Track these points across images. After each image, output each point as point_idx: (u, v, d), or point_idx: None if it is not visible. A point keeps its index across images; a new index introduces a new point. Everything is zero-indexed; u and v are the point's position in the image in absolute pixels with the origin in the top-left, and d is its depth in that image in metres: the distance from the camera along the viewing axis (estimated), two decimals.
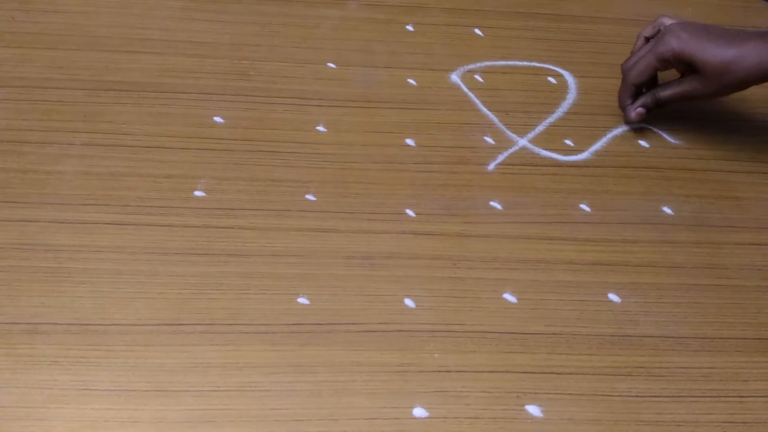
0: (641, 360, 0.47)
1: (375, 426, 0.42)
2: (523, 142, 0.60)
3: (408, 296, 0.48)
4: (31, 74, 0.59)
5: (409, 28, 0.69)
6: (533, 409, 0.44)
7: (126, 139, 0.56)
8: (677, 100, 0.58)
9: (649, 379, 0.46)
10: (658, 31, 0.60)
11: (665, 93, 0.58)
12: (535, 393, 0.44)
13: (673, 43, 0.56)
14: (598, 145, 0.60)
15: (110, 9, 0.66)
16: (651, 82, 0.60)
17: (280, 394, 0.43)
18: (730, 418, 0.44)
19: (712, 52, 0.54)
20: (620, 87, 0.60)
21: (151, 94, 0.59)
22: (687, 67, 0.56)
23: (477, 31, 0.70)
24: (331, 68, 0.64)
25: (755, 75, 0.54)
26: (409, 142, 0.59)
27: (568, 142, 0.60)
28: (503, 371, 0.45)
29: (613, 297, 0.50)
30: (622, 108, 0.60)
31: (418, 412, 0.43)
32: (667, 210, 0.56)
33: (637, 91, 0.60)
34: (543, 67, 0.67)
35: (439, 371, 0.45)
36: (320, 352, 0.45)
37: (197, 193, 0.53)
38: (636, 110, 0.59)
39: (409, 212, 0.53)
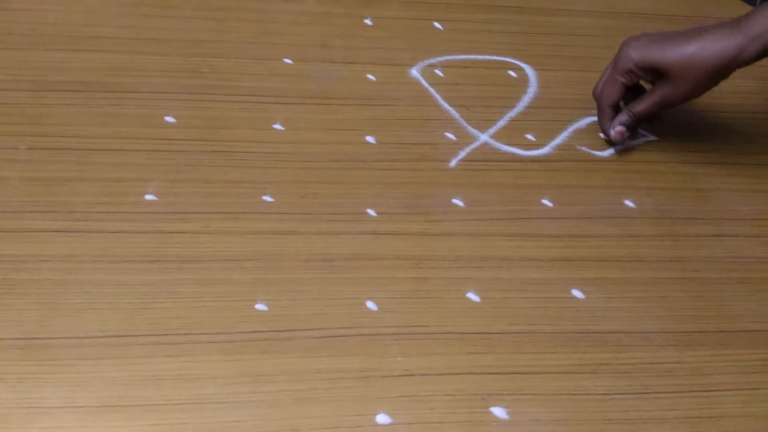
0: (606, 357, 0.46)
1: None
2: (484, 137, 0.59)
3: (370, 298, 0.47)
4: None
5: (368, 22, 0.68)
6: (498, 411, 0.43)
7: (73, 142, 0.53)
8: (653, 109, 0.57)
9: (614, 375, 0.45)
10: None
11: (639, 106, 0.57)
12: (500, 394, 0.44)
13: (632, 54, 0.55)
14: (559, 139, 0.60)
15: (55, 6, 0.64)
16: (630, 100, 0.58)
17: (238, 406, 0.41)
18: (696, 413, 0.44)
19: (673, 52, 0.53)
20: (597, 114, 0.59)
21: (99, 94, 0.57)
22: (653, 74, 0.55)
23: (437, 24, 0.69)
24: (288, 64, 0.62)
25: (720, 64, 0.53)
26: (370, 139, 0.57)
27: (529, 136, 0.60)
28: (468, 373, 0.44)
29: (576, 293, 0.49)
30: (605, 133, 0.58)
31: (382, 418, 0.42)
32: (629, 203, 0.56)
33: (615, 114, 0.58)
34: (503, 61, 0.66)
35: (403, 375, 0.44)
36: (279, 360, 0.43)
37: (148, 197, 0.51)
38: (615, 129, 0.57)
39: (371, 212, 0.52)
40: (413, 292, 0.48)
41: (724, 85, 0.56)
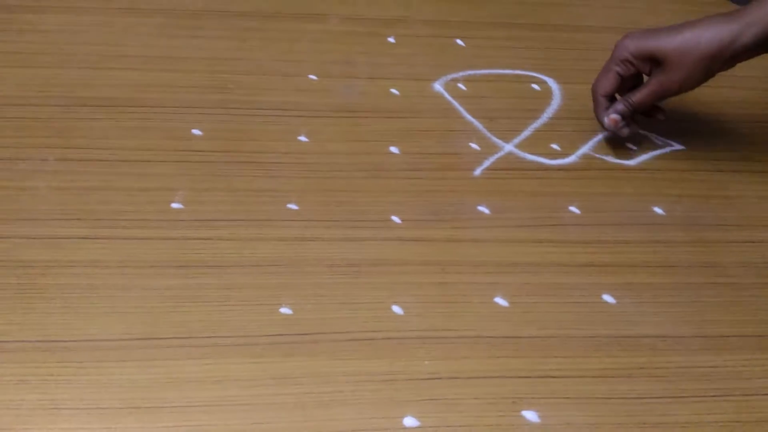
0: (640, 361, 0.45)
1: None
2: (508, 147, 0.59)
3: (396, 303, 0.46)
4: (3, 92, 0.58)
5: (391, 39, 0.69)
6: (530, 415, 0.41)
7: (101, 154, 0.54)
8: (650, 98, 0.56)
9: (649, 380, 0.44)
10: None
11: (636, 95, 0.57)
12: (532, 398, 0.42)
13: (627, 43, 0.55)
14: (585, 149, 0.59)
15: (87, 28, 0.66)
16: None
17: (262, 408, 0.40)
18: (735, 417, 0.42)
19: (668, 39, 0.53)
20: (593, 105, 0.58)
21: (127, 108, 0.58)
22: (650, 63, 0.55)
23: (458, 41, 0.69)
24: (313, 80, 0.63)
25: (715, 50, 0.52)
26: (394, 149, 0.57)
27: (554, 146, 0.59)
28: (497, 376, 0.43)
29: (607, 298, 0.48)
30: (600, 121, 0.58)
31: (409, 421, 0.41)
32: (658, 210, 0.55)
33: (610, 104, 0.58)
34: (526, 75, 0.66)
35: (430, 378, 0.43)
36: (304, 363, 0.43)
37: (174, 206, 0.51)
38: (610, 116, 0.57)
39: (395, 219, 0.52)
40: (439, 296, 0.47)
41: (744, 94, 0.55)
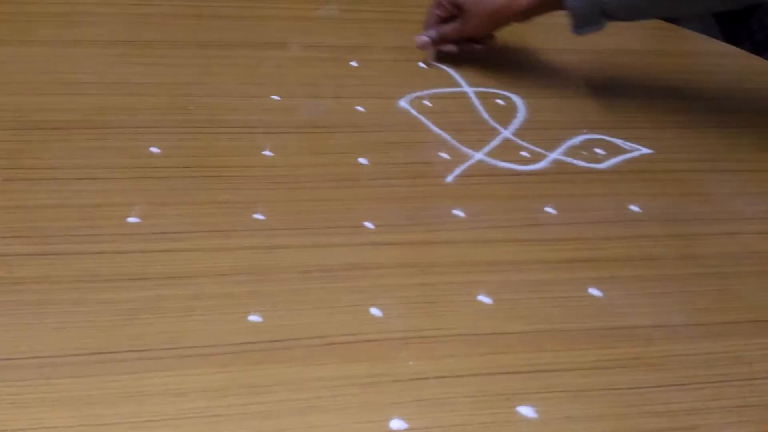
0: (636, 351, 0.42)
1: None
2: (479, 155, 0.58)
3: (374, 305, 0.43)
4: None
5: (354, 63, 0.68)
6: (526, 410, 0.38)
7: (54, 173, 0.51)
8: (453, 32, 0.68)
9: (648, 369, 0.41)
10: None
11: (444, 27, 0.68)
12: (526, 393, 0.39)
13: None
14: (554, 155, 0.59)
15: (40, 58, 0.63)
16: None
17: (232, 418, 0.36)
18: (741, 402, 0.39)
19: None
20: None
21: (82, 131, 0.55)
22: (457, 8, 0.67)
23: (421, 64, 0.69)
24: (276, 100, 0.62)
25: (497, 8, 0.64)
26: (362, 161, 0.56)
27: (524, 153, 0.58)
28: (487, 373, 0.40)
29: (594, 292, 0.46)
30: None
31: (397, 424, 0.37)
32: (634, 208, 0.54)
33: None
34: (489, 92, 0.66)
35: (417, 379, 0.39)
36: (277, 371, 0.39)
37: (131, 220, 0.47)
38: (420, 37, 0.68)
39: (368, 225, 0.49)
40: (420, 297, 0.44)
41: (718, 94, 0.56)
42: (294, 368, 0.39)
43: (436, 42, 0.68)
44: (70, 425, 0.35)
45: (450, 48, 0.69)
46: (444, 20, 0.69)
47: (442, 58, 0.70)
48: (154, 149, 0.54)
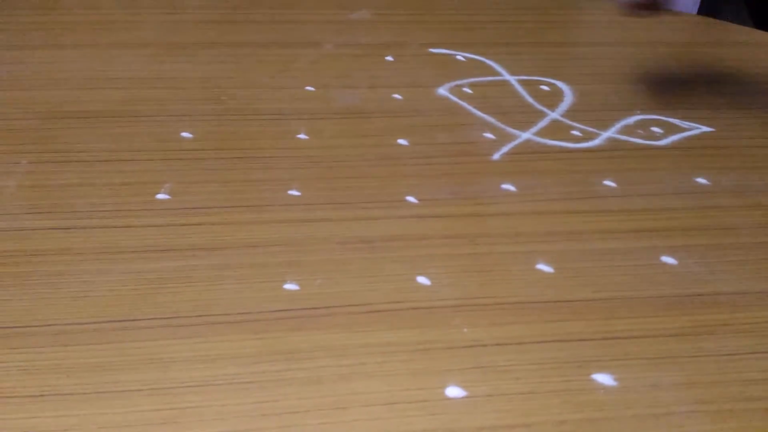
0: (722, 317, 0.37)
1: (397, 411, 0.31)
2: (526, 135, 0.54)
3: (421, 274, 0.39)
4: None
5: (389, 58, 0.66)
6: (603, 378, 0.33)
7: (81, 156, 0.49)
8: None
9: (737, 336, 0.36)
10: None
11: None
12: (600, 360, 0.34)
13: None
14: (609, 133, 0.55)
15: (72, 59, 0.62)
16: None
17: (265, 385, 0.32)
18: None
19: None
20: None
21: (112, 119, 0.53)
22: None
23: (459, 57, 0.67)
24: (310, 90, 0.60)
25: None
26: (402, 142, 0.52)
27: (575, 133, 0.55)
28: (554, 341, 0.35)
29: (667, 260, 0.41)
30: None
31: (453, 391, 0.32)
32: (702, 180, 0.49)
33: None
34: (533, 79, 0.63)
35: (473, 346, 0.35)
36: (316, 337, 0.35)
37: (160, 197, 0.45)
38: None
39: (411, 199, 0.46)
40: (471, 266, 0.40)
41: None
42: (335, 335, 0.35)
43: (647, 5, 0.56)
44: (84, 391, 0.31)
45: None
46: None
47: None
48: (185, 134, 0.52)
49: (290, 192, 0.46)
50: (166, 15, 0.74)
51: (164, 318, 0.35)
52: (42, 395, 0.31)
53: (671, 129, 0.56)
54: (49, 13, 0.72)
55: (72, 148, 0.50)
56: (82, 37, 0.68)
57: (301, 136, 0.53)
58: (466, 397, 0.32)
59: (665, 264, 0.41)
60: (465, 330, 0.36)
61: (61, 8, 0.74)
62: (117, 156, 0.49)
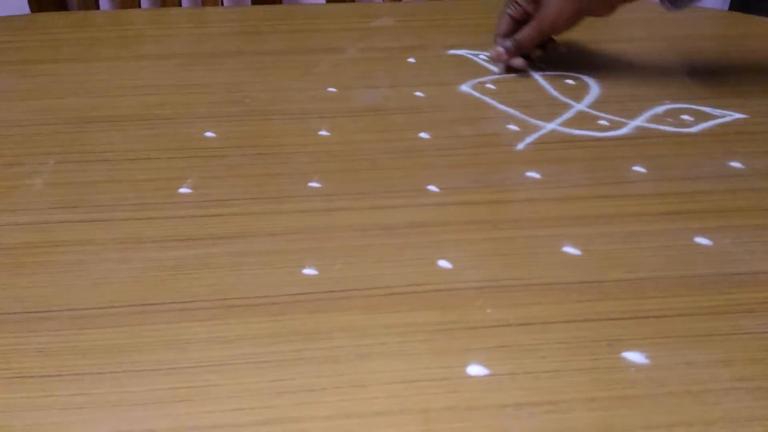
0: (762, 296, 0.35)
1: (417, 389, 0.30)
2: (551, 125, 0.53)
3: (442, 258, 0.38)
4: (9, 117, 0.54)
5: (411, 60, 0.66)
6: (634, 356, 0.31)
7: (106, 156, 0.49)
8: (530, 34, 0.60)
9: None
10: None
11: (519, 34, 0.60)
12: (631, 339, 0.32)
13: None
14: (638, 122, 0.53)
15: (101, 70, 0.63)
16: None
17: (284, 364, 0.31)
18: None
19: None
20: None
21: (137, 122, 0.54)
22: (533, 3, 0.60)
23: (482, 56, 0.67)
24: (332, 92, 0.60)
25: None
26: (423, 135, 0.52)
27: (602, 122, 0.53)
28: (581, 320, 0.34)
29: (701, 240, 0.39)
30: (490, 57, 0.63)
31: (475, 369, 0.31)
32: (736, 164, 0.47)
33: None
34: (557, 74, 0.62)
35: (497, 326, 0.33)
36: (335, 318, 0.34)
37: (182, 191, 0.45)
38: (495, 49, 0.61)
39: (432, 188, 0.45)
40: (495, 249, 0.39)
41: None
42: (354, 316, 0.34)
43: (511, 52, 0.61)
44: (101, 371, 0.31)
45: (519, 63, 0.61)
46: (516, 23, 0.62)
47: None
48: (209, 134, 0.52)
49: (311, 184, 0.46)
50: (193, 29, 0.75)
51: (183, 302, 0.35)
52: (59, 375, 0.31)
53: (702, 117, 0.54)
54: (81, 31, 0.75)
55: (98, 149, 0.50)
56: (112, 50, 0.70)
57: (323, 132, 0.52)
58: (489, 375, 0.31)
59: (699, 245, 0.39)
60: (489, 311, 0.34)
61: (93, 25, 0.76)
62: (141, 155, 0.49)
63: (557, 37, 0.64)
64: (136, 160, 0.49)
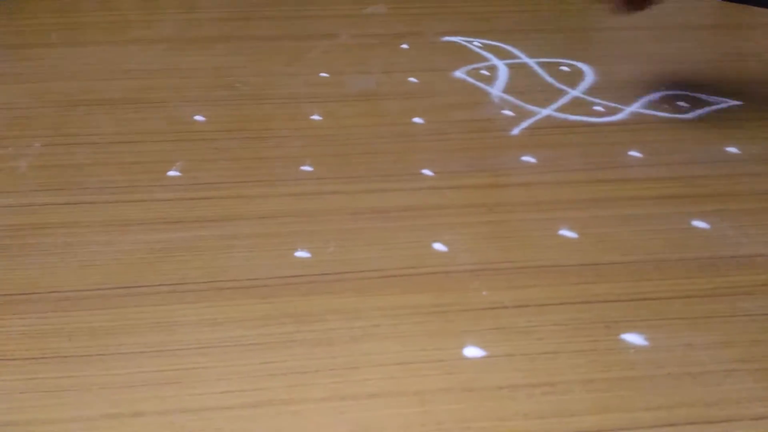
0: (761, 278, 0.35)
1: (411, 370, 0.29)
2: (547, 111, 0.52)
3: (437, 241, 0.38)
4: None
5: (404, 46, 0.65)
6: (633, 338, 0.31)
7: (93, 138, 0.48)
8: None
9: None
10: None
11: None
12: (629, 321, 0.32)
13: None
14: (633, 108, 0.53)
15: (90, 53, 0.62)
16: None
17: (275, 346, 0.30)
18: None
19: None
20: None
21: (125, 105, 0.53)
22: None
23: (476, 43, 0.66)
24: (324, 77, 0.59)
25: None
26: (417, 120, 0.51)
27: (598, 108, 0.53)
28: (578, 302, 0.33)
29: (699, 224, 0.39)
30: None
31: (471, 351, 0.30)
32: (732, 149, 0.47)
33: None
34: (553, 61, 0.62)
35: (493, 308, 0.33)
36: (328, 300, 0.33)
37: (171, 173, 0.44)
38: None
39: (426, 172, 0.44)
40: (490, 232, 0.38)
41: None
42: (347, 299, 0.33)
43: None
44: (87, 354, 0.30)
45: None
46: None
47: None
48: (198, 117, 0.51)
49: (303, 168, 0.45)
50: (182, 14, 0.74)
51: (171, 284, 0.34)
52: (43, 357, 0.30)
53: (698, 103, 0.54)
54: (69, 15, 0.73)
55: (85, 132, 0.49)
56: (100, 35, 0.68)
57: (315, 117, 0.52)
58: (485, 356, 0.30)
59: (697, 228, 0.39)
60: (484, 293, 0.34)
61: (80, 10, 0.75)
62: (129, 138, 0.48)
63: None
64: (124, 143, 0.48)
